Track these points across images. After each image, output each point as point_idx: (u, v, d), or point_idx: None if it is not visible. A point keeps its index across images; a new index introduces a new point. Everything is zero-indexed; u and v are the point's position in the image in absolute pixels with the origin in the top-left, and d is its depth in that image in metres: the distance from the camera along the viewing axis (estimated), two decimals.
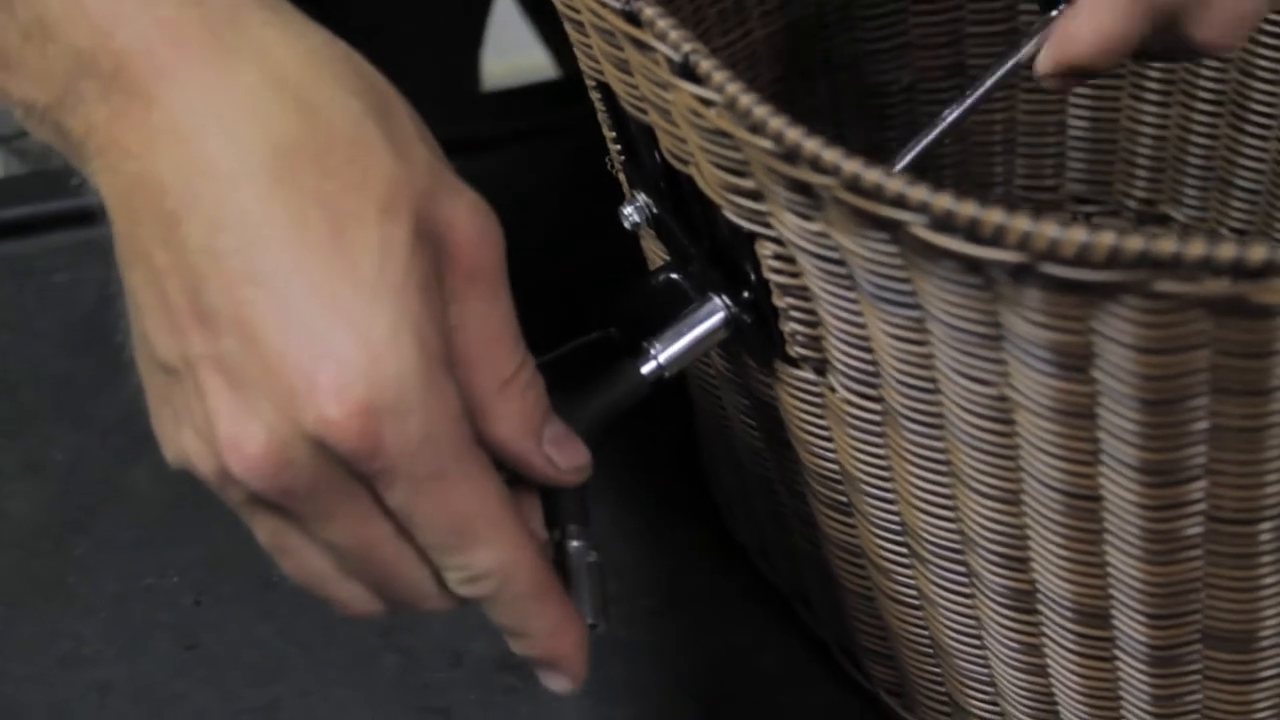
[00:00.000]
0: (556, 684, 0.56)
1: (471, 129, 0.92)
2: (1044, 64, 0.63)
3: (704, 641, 0.74)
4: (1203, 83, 0.78)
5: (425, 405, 0.49)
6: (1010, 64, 0.65)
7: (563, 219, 0.85)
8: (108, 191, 0.52)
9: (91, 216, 0.55)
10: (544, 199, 0.87)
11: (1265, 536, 0.52)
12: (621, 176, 0.63)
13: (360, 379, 0.49)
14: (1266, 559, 0.53)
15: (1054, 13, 0.64)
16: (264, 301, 0.49)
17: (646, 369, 0.57)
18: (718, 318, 0.58)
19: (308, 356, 0.49)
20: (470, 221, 0.52)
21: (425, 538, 0.52)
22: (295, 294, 0.49)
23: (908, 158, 0.63)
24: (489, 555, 0.52)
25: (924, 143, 0.63)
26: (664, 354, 0.58)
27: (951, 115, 0.64)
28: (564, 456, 0.55)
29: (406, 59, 0.95)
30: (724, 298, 0.58)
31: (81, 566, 0.77)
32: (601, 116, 0.62)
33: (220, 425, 0.50)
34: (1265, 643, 0.56)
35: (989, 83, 0.64)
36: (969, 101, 0.64)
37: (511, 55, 1.22)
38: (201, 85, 0.51)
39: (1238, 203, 0.80)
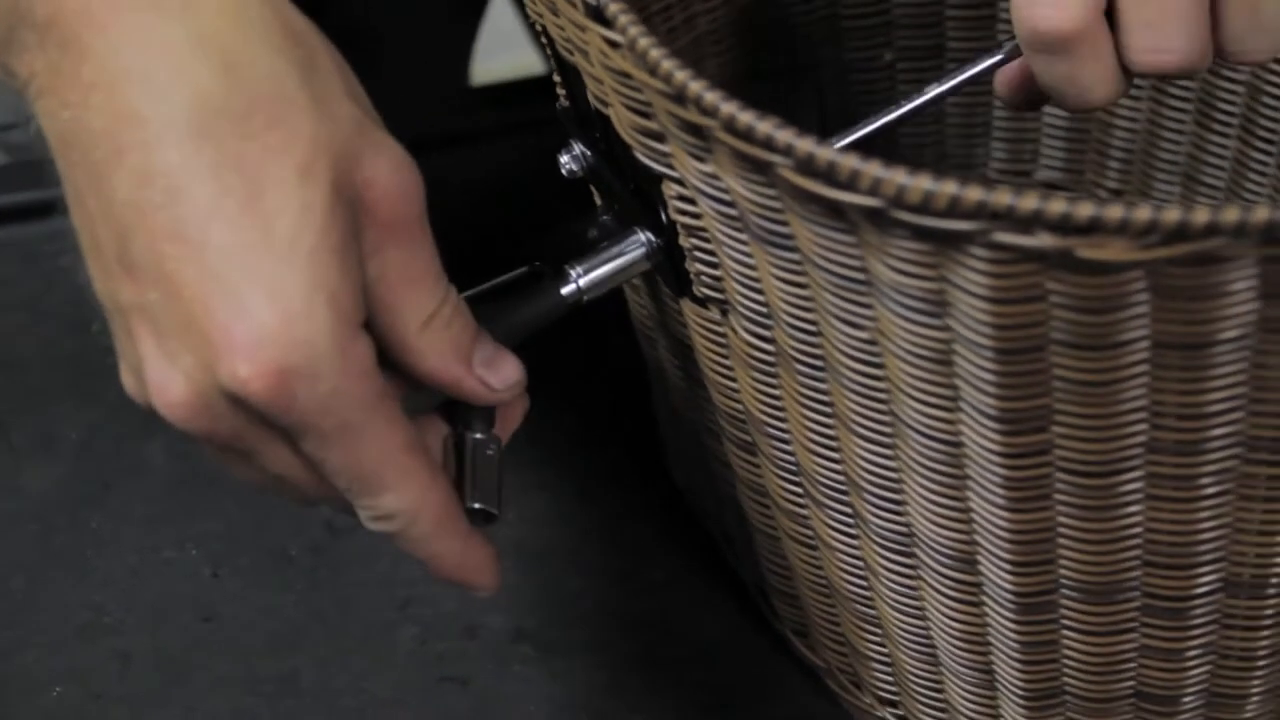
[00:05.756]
0: (476, 591, 0.59)
1: (462, 122, 0.94)
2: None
3: (716, 614, 0.76)
4: (1173, 80, 0.81)
5: (335, 367, 0.52)
6: (973, 71, 0.65)
7: (549, 211, 0.87)
8: (48, 134, 0.55)
9: None
10: (531, 191, 0.90)
11: (1126, 488, 0.55)
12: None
13: (272, 341, 0.51)
14: (1130, 510, 0.55)
15: None
16: (185, 258, 0.52)
17: (566, 290, 0.61)
18: (638, 251, 0.61)
19: (224, 315, 0.51)
20: (389, 177, 0.54)
21: (336, 482, 0.55)
22: (214, 253, 0.52)
23: (847, 139, 0.63)
24: (395, 500, 0.55)
25: (863, 131, 0.64)
26: (584, 278, 0.61)
27: (901, 110, 0.64)
28: (496, 377, 0.58)
29: (398, 59, 0.98)
30: (646, 233, 0.61)
31: (99, 540, 0.79)
32: (550, 62, 0.66)
33: (148, 370, 0.54)
34: (1126, 594, 0.58)
35: (942, 88, 0.65)
36: (917, 102, 0.64)
37: (501, 57, 1.25)
38: (130, 39, 0.53)
39: (1201, 198, 0.82)
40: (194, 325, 0.52)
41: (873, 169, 0.48)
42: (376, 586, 0.77)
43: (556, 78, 0.65)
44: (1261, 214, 0.46)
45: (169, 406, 0.53)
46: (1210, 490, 0.54)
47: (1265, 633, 0.59)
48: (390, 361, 0.56)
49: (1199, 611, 0.58)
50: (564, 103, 0.65)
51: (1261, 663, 0.60)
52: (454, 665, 0.74)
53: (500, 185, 0.90)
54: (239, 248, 0.52)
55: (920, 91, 0.63)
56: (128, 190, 0.52)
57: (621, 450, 0.81)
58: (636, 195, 0.61)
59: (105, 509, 0.80)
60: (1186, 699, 0.61)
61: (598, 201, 0.67)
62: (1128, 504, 0.55)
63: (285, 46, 0.54)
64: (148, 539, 0.79)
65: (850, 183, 0.49)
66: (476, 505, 0.58)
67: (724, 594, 0.76)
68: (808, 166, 0.49)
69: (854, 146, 0.57)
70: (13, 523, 0.80)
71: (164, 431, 0.79)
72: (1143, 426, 0.53)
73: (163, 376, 0.53)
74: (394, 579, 0.77)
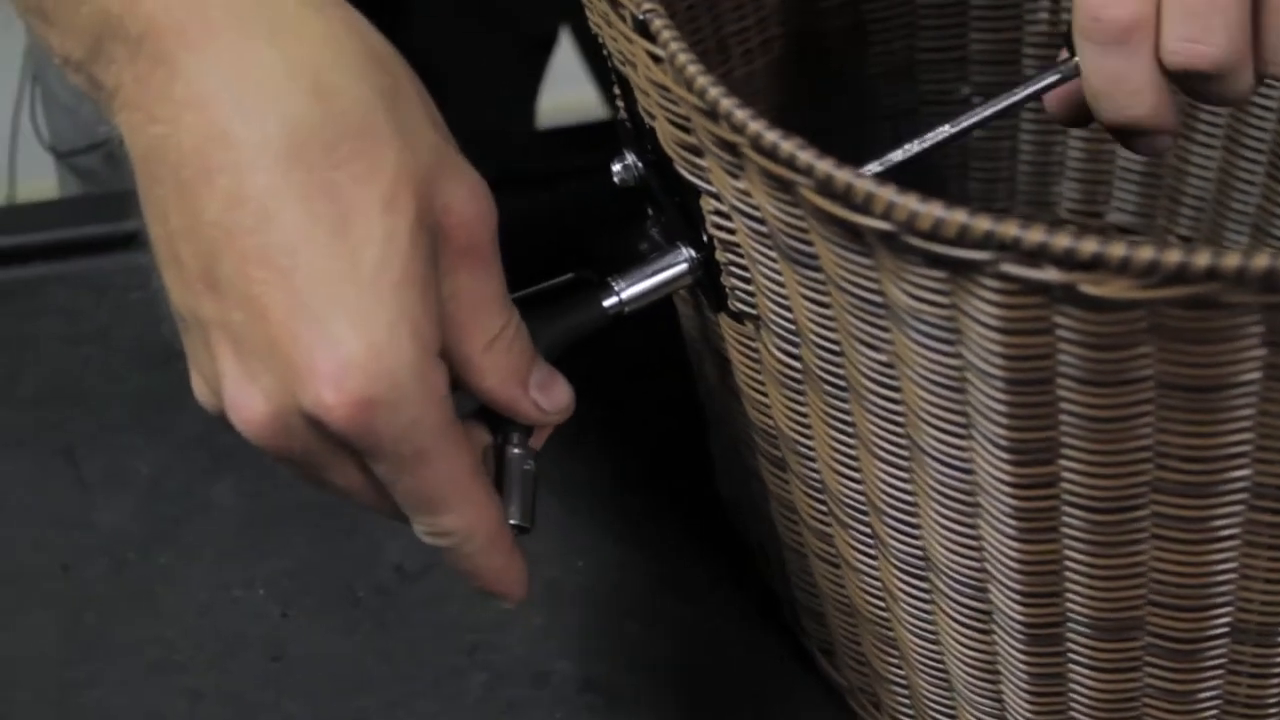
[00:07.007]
0: (502, 603, 0.61)
1: (525, 165, 0.94)
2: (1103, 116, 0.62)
3: (770, 656, 0.76)
4: (1248, 130, 0.81)
5: (415, 397, 0.54)
6: (1020, 97, 0.65)
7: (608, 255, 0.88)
8: (131, 147, 0.56)
9: None
10: (591, 235, 0.91)
11: (1134, 526, 0.55)
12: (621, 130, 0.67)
13: (358, 371, 0.53)
14: (1137, 548, 0.56)
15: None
16: (273, 282, 0.53)
17: (608, 302, 0.62)
18: (680, 266, 0.62)
19: (310, 341, 0.53)
20: (467, 204, 0.56)
21: (400, 500, 0.57)
22: (302, 280, 0.53)
23: (883, 165, 0.62)
24: (454, 520, 0.57)
25: (895, 160, 0.62)
26: (626, 290, 0.62)
27: (938, 138, 0.63)
28: (549, 400, 0.59)
29: (463, 100, 1.00)
30: (688, 248, 0.62)
31: (169, 577, 0.80)
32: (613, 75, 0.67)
33: (226, 386, 0.55)
34: (1134, 632, 0.58)
35: (987, 113, 0.64)
36: (959, 128, 0.64)
37: (562, 93, 1.26)
38: (224, 61, 0.54)
39: (1272, 249, 0.82)
40: (278, 349, 0.53)
41: (887, 193, 0.49)
42: (444, 630, 0.77)
43: (615, 90, 0.67)
44: (1262, 261, 0.47)
45: (246, 423, 0.55)
46: (1217, 534, 0.55)
47: (1274, 681, 0.60)
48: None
49: (1207, 655, 0.59)
50: (621, 114, 0.67)
51: (1271, 712, 0.61)
52: (523, 713, 0.74)
53: (561, 228, 0.91)
54: (326, 276, 0.53)
55: (956, 121, 0.63)
56: (217, 211, 0.53)
57: (680, 486, 0.82)
58: (680, 209, 0.62)
59: (175, 546, 0.81)
60: None
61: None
62: (1135, 542, 0.56)
63: (371, 74, 0.55)
64: (217, 577, 0.80)
65: (865, 206, 0.50)
66: (514, 521, 0.60)
67: (776, 633, 0.76)
68: (826, 187, 0.50)
69: (918, 185, 0.54)
70: (84, 557, 0.81)
71: (234, 470, 0.83)
72: (1148, 465, 0.53)
73: (242, 393, 0.55)
74: (462, 623, 0.77)
